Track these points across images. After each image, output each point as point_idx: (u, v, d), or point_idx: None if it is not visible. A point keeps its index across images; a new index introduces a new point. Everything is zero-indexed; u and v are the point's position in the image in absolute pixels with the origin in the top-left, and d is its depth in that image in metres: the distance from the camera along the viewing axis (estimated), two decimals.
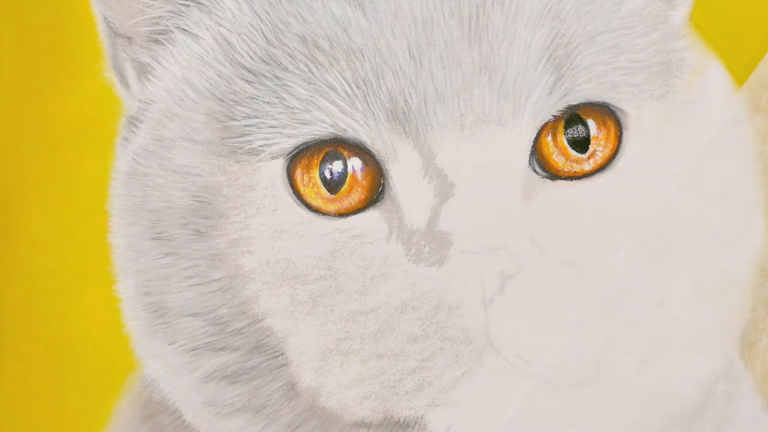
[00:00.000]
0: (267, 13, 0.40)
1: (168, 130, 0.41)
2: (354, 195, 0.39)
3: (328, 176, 0.39)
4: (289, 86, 0.39)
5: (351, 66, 0.39)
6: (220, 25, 0.40)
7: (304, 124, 0.39)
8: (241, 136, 0.40)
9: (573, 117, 0.40)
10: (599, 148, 0.40)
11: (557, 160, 0.40)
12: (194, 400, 0.41)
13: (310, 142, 0.39)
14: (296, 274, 0.40)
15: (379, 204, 0.39)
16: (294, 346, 0.40)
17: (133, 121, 0.41)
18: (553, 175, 0.40)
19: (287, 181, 0.40)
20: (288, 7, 0.39)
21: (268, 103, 0.39)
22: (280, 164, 0.40)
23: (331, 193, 0.39)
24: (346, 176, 0.39)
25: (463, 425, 0.40)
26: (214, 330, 0.40)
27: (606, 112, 0.40)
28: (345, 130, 0.39)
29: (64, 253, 0.42)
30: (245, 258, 0.40)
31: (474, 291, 0.39)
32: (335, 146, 0.39)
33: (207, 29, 0.40)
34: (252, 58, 0.40)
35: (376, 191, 0.39)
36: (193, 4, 0.40)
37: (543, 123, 0.39)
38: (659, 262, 0.41)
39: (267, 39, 0.39)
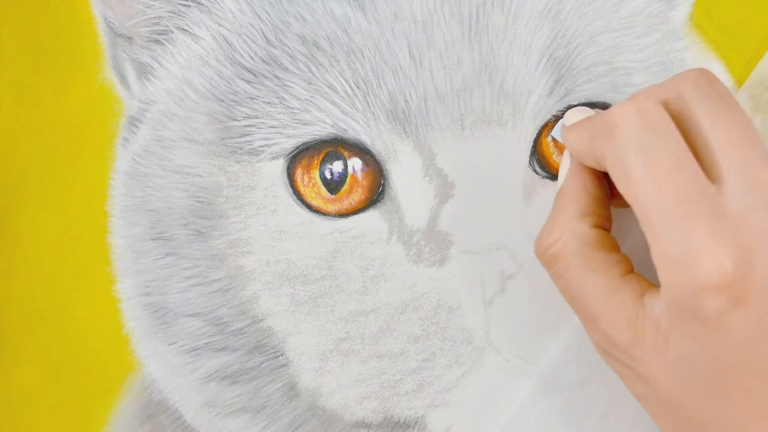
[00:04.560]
0: (267, 13, 0.40)
1: (168, 130, 0.40)
2: (354, 195, 0.39)
3: (328, 176, 0.39)
4: (289, 86, 0.39)
5: (351, 66, 0.39)
6: (220, 25, 0.40)
7: (305, 124, 0.39)
8: (242, 137, 0.40)
9: None
10: None
11: (557, 160, 0.40)
12: (194, 400, 0.41)
13: (311, 142, 0.39)
14: (296, 275, 0.40)
15: (379, 204, 0.39)
16: (294, 346, 0.40)
17: (134, 122, 0.41)
18: (554, 175, 0.40)
19: (287, 182, 0.40)
20: (288, 7, 0.39)
21: (268, 103, 0.39)
22: (280, 164, 0.40)
23: (332, 194, 0.39)
24: (346, 176, 0.39)
25: (463, 425, 0.40)
26: (215, 330, 0.40)
27: None
28: (345, 130, 0.39)
29: (64, 253, 0.42)
30: (245, 258, 0.40)
31: (474, 291, 0.39)
32: (335, 146, 0.39)
33: (207, 29, 0.40)
34: (252, 59, 0.40)
35: (377, 191, 0.39)
36: (193, 4, 0.40)
37: (543, 123, 0.39)
38: None
39: (267, 39, 0.39)
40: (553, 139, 0.40)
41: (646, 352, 0.30)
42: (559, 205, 0.34)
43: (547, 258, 0.34)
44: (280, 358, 0.40)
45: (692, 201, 0.29)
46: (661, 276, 0.29)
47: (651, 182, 0.29)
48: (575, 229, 0.33)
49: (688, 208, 0.29)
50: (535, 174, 0.40)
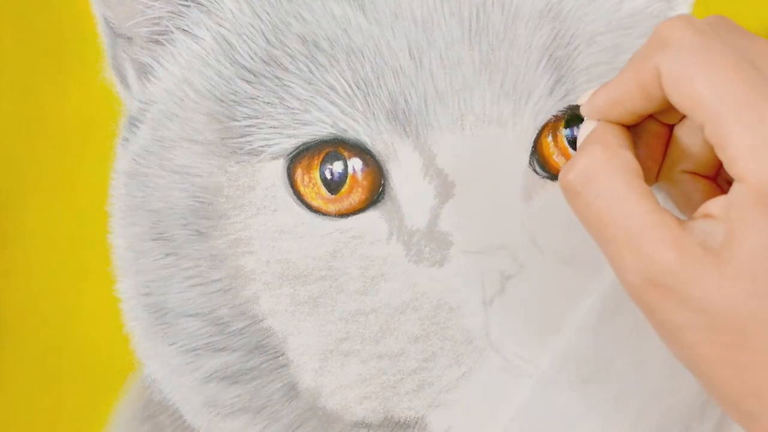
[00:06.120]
0: (267, 13, 0.40)
1: (168, 130, 0.40)
2: (354, 195, 0.39)
3: (328, 177, 0.39)
4: (289, 86, 0.39)
5: (351, 66, 0.39)
6: (220, 25, 0.40)
7: (305, 124, 0.39)
8: (242, 137, 0.40)
9: (573, 117, 0.40)
10: None
11: (557, 160, 0.40)
12: (195, 400, 0.41)
13: (311, 142, 0.39)
14: (297, 275, 0.40)
15: (379, 204, 0.39)
16: (294, 346, 0.40)
17: (134, 122, 0.41)
18: (554, 175, 0.40)
19: (287, 182, 0.40)
20: (288, 7, 0.39)
21: (268, 103, 0.39)
22: (280, 165, 0.40)
23: (332, 194, 0.39)
24: (346, 177, 0.39)
25: (463, 425, 0.40)
26: (215, 330, 0.40)
27: None
28: (345, 130, 0.39)
29: (64, 253, 0.42)
30: (246, 258, 0.40)
31: (474, 291, 0.39)
32: (335, 147, 0.39)
33: (207, 30, 0.40)
34: (252, 59, 0.40)
35: (377, 192, 0.39)
36: (194, 4, 0.40)
37: (543, 123, 0.39)
38: None
39: (267, 39, 0.39)
40: (554, 138, 0.40)
41: (695, 269, 0.29)
42: (598, 137, 0.32)
43: (585, 176, 0.31)
44: (280, 358, 0.40)
45: (763, 89, 0.28)
46: (738, 169, 0.28)
47: (717, 77, 0.29)
48: (621, 154, 0.31)
49: (761, 95, 0.28)
50: (535, 174, 0.40)
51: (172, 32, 0.41)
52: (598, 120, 0.34)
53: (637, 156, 0.34)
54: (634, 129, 0.34)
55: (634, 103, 0.32)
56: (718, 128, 0.29)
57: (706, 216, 0.30)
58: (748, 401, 0.29)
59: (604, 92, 0.33)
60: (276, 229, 0.40)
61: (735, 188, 0.29)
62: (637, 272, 0.30)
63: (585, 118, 0.34)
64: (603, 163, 0.31)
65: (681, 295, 0.29)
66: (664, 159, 0.35)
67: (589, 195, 0.31)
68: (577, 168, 0.31)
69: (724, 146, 0.29)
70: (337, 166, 0.39)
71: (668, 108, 0.31)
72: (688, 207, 0.34)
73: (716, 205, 0.29)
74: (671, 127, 0.34)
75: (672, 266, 0.29)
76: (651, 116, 0.33)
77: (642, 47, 0.32)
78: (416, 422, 0.40)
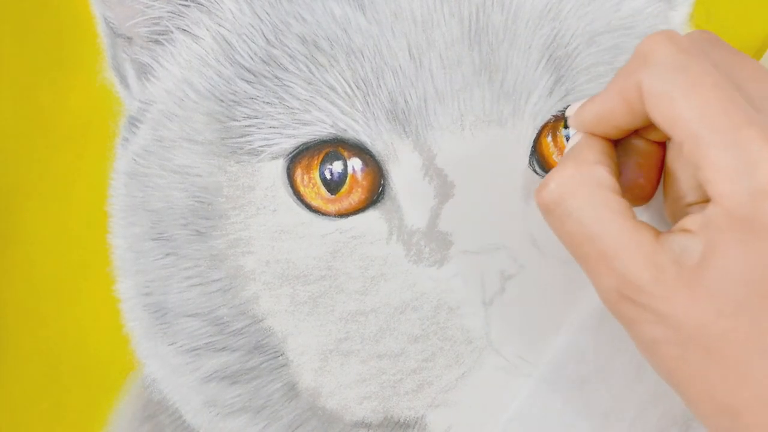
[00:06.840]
0: (267, 13, 0.40)
1: (168, 130, 0.40)
2: (354, 195, 0.39)
3: (328, 176, 0.39)
4: (289, 86, 0.39)
5: (351, 66, 0.39)
6: (220, 25, 0.40)
7: (304, 124, 0.39)
8: (242, 137, 0.40)
9: None
10: None
11: (557, 160, 0.40)
12: (195, 400, 0.41)
13: (310, 142, 0.39)
14: (296, 275, 0.40)
15: (379, 204, 0.40)
16: (294, 346, 0.40)
17: (133, 122, 0.41)
18: None
19: (287, 182, 0.40)
20: (288, 7, 0.39)
21: (268, 103, 0.39)
22: (280, 164, 0.40)
23: (331, 194, 0.39)
24: (346, 176, 0.39)
25: (463, 425, 0.40)
26: (215, 330, 0.40)
27: None
28: (345, 130, 0.39)
29: (64, 253, 0.42)
30: (245, 258, 0.40)
31: (474, 291, 0.39)
32: (335, 146, 0.39)
33: (207, 30, 0.40)
34: (252, 59, 0.40)
35: (377, 191, 0.39)
36: (193, 4, 0.40)
37: (543, 123, 0.39)
38: None
39: (267, 39, 0.39)
40: (554, 138, 0.40)
41: (668, 287, 0.29)
42: (575, 153, 0.33)
43: (558, 195, 0.31)
44: (280, 358, 0.40)
45: (741, 112, 0.28)
46: (715, 189, 0.28)
47: (696, 97, 0.29)
48: (593, 171, 0.31)
49: (738, 118, 0.28)
50: (535, 174, 0.40)
51: (172, 32, 0.41)
52: (584, 133, 0.34)
53: (627, 175, 0.34)
54: (623, 149, 0.34)
55: (618, 118, 0.32)
56: (695, 149, 0.29)
57: (685, 231, 0.30)
58: (721, 419, 0.29)
59: (590, 106, 0.33)
60: (276, 229, 0.40)
61: (710, 209, 0.29)
62: (612, 289, 0.31)
63: (573, 130, 0.34)
64: (575, 181, 0.31)
65: (655, 312, 0.30)
66: (659, 180, 0.35)
67: (562, 213, 0.31)
68: (550, 186, 0.32)
69: (701, 167, 0.29)
70: (337, 166, 0.39)
71: (653, 125, 0.31)
72: None
73: (694, 221, 0.30)
74: (661, 145, 0.34)
75: (645, 285, 0.29)
76: (638, 135, 0.33)
77: (626, 63, 0.32)
78: (416, 422, 0.40)
